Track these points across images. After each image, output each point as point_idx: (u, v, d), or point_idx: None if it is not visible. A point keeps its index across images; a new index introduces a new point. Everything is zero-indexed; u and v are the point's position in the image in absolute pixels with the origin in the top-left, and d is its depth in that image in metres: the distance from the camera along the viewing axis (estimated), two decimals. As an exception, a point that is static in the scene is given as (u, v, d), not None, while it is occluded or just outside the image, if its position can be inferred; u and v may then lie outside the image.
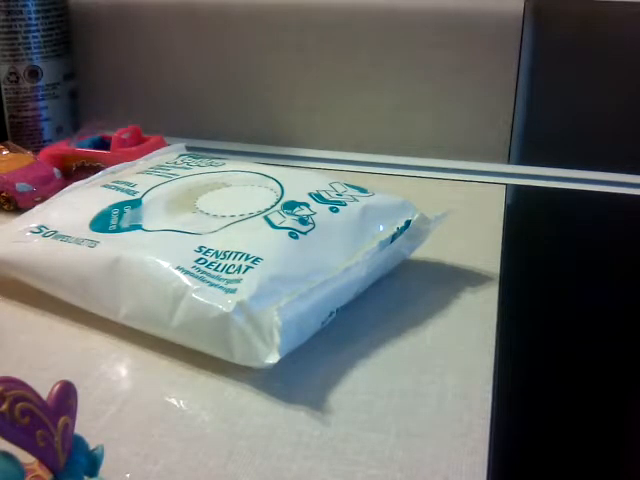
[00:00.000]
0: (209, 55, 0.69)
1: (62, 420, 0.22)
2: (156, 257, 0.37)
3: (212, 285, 0.34)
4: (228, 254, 0.36)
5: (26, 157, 0.57)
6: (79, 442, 0.23)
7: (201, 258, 0.36)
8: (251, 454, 0.29)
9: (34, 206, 0.46)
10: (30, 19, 0.60)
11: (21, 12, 0.60)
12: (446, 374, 0.35)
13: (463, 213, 0.49)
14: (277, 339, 0.32)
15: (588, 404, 0.72)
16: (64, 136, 0.63)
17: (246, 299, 0.33)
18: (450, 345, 0.37)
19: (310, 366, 0.35)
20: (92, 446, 0.24)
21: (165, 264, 0.36)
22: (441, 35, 0.63)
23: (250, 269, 0.35)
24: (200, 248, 0.37)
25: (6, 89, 0.62)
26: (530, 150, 0.67)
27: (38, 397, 0.21)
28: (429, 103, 0.65)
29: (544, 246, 0.67)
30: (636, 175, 0.62)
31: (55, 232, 0.41)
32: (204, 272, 0.35)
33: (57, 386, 0.22)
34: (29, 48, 0.61)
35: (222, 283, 0.34)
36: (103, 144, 0.58)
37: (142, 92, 0.71)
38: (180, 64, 0.70)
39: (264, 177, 0.45)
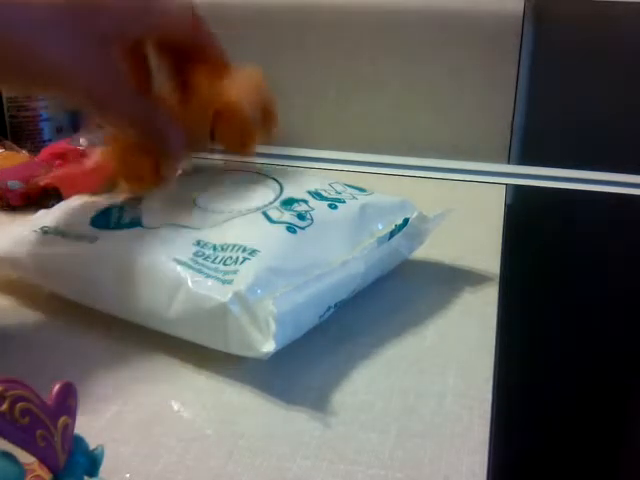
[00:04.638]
0: (209, 55, 0.69)
1: (62, 420, 0.22)
2: (154, 251, 0.37)
3: (209, 277, 0.34)
4: (226, 247, 0.36)
5: (20, 156, 0.57)
6: (79, 442, 0.23)
7: (199, 251, 0.36)
8: (251, 454, 0.29)
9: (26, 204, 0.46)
10: (30, 19, 0.60)
11: (21, 12, 0.60)
12: (446, 374, 0.35)
13: (463, 213, 0.49)
14: (272, 327, 0.32)
15: (588, 404, 0.72)
16: (64, 136, 0.63)
17: (242, 289, 0.33)
18: (450, 345, 0.37)
19: (310, 366, 0.35)
20: (92, 446, 0.24)
21: (163, 257, 0.36)
22: (441, 35, 0.63)
23: (247, 260, 0.35)
24: (198, 242, 0.37)
25: (6, 89, 0.62)
26: (530, 150, 0.67)
27: (38, 397, 0.21)
28: (429, 103, 0.65)
29: (544, 246, 0.67)
30: (636, 175, 0.62)
31: (56, 229, 0.41)
32: (202, 264, 0.35)
33: (57, 386, 0.22)
34: (29, 48, 0.61)
35: (219, 275, 0.34)
36: None
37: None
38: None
39: (264, 177, 0.45)
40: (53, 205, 0.49)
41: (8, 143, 0.59)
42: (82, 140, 0.53)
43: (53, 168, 0.54)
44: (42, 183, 0.52)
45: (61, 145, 0.58)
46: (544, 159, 0.64)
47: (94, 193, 0.47)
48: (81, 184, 0.51)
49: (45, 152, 0.58)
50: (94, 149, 0.52)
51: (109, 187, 0.47)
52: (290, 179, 0.44)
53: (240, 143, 0.49)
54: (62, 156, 0.55)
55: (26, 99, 0.62)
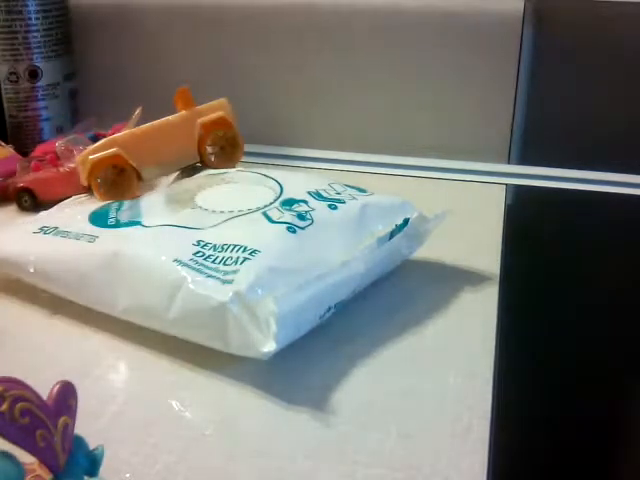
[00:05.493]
0: (208, 55, 0.69)
1: (62, 420, 0.22)
2: (154, 251, 0.37)
3: (209, 277, 0.34)
4: (226, 247, 0.36)
5: (4, 150, 0.57)
6: (79, 442, 0.23)
7: (199, 251, 0.36)
8: (251, 454, 0.29)
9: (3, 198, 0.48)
10: (30, 19, 0.60)
11: (21, 12, 0.60)
12: (446, 374, 0.35)
13: (463, 213, 0.49)
14: (273, 327, 0.32)
15: (588, 403, 0.72)
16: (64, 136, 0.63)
17: (243, 289, 0.33)
18: (450, 345, 0.37)
19: (310, 366, 0.35)
20: (92, 446, 0.24)
21: (163, 257, 0.36)
22: (441, 35, 0.63)
23: (247, 260, 0.35)
24: (198, 242, 0.37)
25: (6, 89, 0.62)
26: (530, 150, 0.67)
27: (38, 397, 0.21)
28: (429, 103, 0.65)
29: (544, 246, 0.67)
30: (636, 175, 0.62)
31: (56, 228, 0.41)
32: (202, 264, 0.35)
33: (57, 386, 0.22)
34: (29, 48, 0.61)
35: (219, 275, 0.34)
36: (97, 141, 0.58)
37: (142, 92, 0.71)
38: (180, 64, 0.70)
39: (263, 177, 0.45)
40: (28, 204, 0.51)
41: None
42: (58, 143, 0.54)
43: (30, 170, 0.54)
44: (18, 185, 0.53)
45: (55, 142, 0.58)
46: (544, 159, 0.64)
47: (69, 196, 0.48)
48: (55, 188, 0.52)
49: (39, 150, 0.58)
50: (72, 152, 0.52)
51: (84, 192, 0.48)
52: (290, 179, 0.44)
53: (229, 156, 0.50)
54: (42, 158, 0.55)
55: (26, 99, 0.63)
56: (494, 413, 0.32)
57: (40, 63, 0.62)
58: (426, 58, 0.64)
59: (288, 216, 0.39)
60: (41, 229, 0.42)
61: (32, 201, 0.52)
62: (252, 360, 0.33)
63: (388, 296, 0.42)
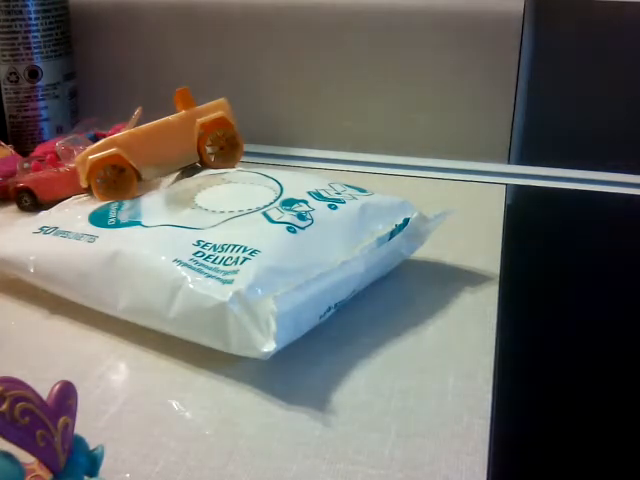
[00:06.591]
0: (209, 55, 0.69)
1: (62, 420, 0.22)
2: (154, 251, 0.37)
3: (209, 277, 0.34)
4: (226, 247, 0.36)
5: (4, 151, 0.57)
6: (79, 442, 0.23)
7: (199, 251, 0.36)
8: (251, 454, 0.29)
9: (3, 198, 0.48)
10: (30, 19, 0.60)
11: (21, 12, 0.60)
12: (446, 374, 0.35)
13: (463, 213, 0.49)
14: (273, 326, 0.32)
15: (588, 403, 0.72)
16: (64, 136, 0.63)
17: (243, 289, 0.33)
18: (450, 345, 0.37)
19: (310, 366, 0.35)
20: (92, 446, 0.24)
21: (163, 257, 0.36)
22: (441, 35, 0.63)
23: (247, 260, 0.35)
24: (198, 242, 0.37)
25: (6, 89, 0.62)
26: (530, 150, 0.67)
27: (38, 397, 0.21)
28: (429, 103, 0.65)
29: (544, 246, 0.67)
30: (636, 175, 0.62)
31: (56, 228, 0.41)
32: (202, 264, 0.35)
33: (57, 386, 0.22)
34: (29, 48, 0.61)
35: (219, 275, 0.34)
36: (97, 141, 0.58)
37: (142, 92, 0.71)
38: (180, 64, 0.70)
39: (263, 177, 0.45)
40: (28, 204, 0.51)
41: None
42: (58, 143, 0.54)
43: (30, 170, 0.54)
44: (18, 185, 0.53)
45: (55, 143, 0.58)
46: (544, 159, 0.64)
47: (69, 196, 0.48)
48: (55, 188, 0.52)
49: (39, 149, 0.58)
50: (72, 152, 0.52)
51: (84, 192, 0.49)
52: (290, 179, 0.44)
53: (229, 156, 0.51)
54: (42, 158, 0.55)
55: (26, 99, 0.63)
56: (494, 413, 0.32)
57: (40, 63, 0.62)
58: (426, 58, 0.64)
59: (288, 216, 0.39)
60: (41, 229, 0.42)
61: (32, 201, 0.52)
62: (252, 360, 0.33)
63: (388, 296, 0.42)
